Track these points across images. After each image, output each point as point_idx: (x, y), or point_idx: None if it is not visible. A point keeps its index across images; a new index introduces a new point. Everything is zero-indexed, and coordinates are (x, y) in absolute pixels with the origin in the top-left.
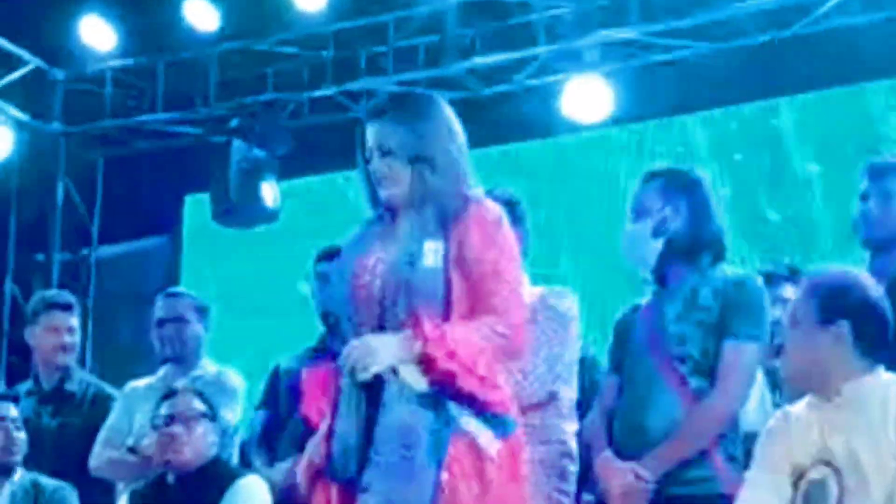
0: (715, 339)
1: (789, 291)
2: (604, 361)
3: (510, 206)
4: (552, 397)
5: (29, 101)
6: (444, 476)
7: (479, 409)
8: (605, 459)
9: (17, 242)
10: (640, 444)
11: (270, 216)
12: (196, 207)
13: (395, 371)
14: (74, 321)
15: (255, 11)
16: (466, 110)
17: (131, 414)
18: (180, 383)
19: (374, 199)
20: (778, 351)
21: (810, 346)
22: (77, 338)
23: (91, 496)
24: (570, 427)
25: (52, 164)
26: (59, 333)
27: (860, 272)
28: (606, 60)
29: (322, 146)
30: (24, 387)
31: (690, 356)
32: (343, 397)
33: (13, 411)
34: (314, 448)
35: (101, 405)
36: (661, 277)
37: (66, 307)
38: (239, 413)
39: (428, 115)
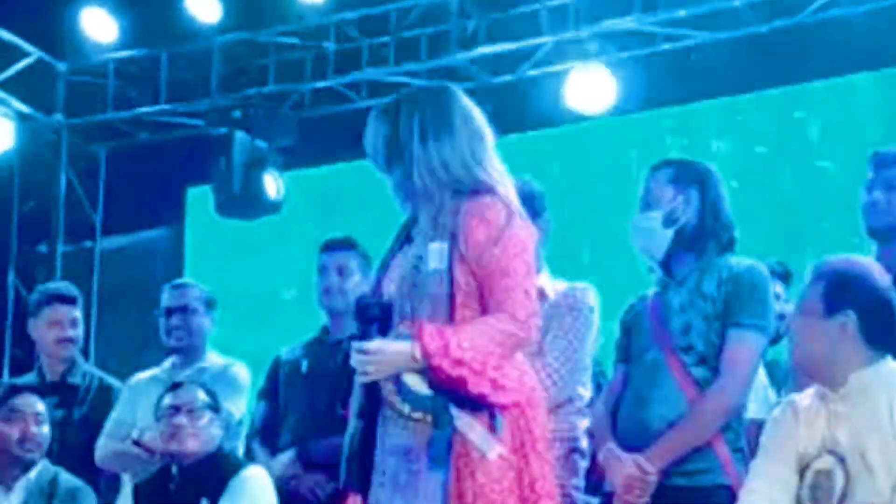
0: (719, 330)
1: (779, 288)
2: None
3: (530, 198)
4: (570, 399)
5: (31, 93)
6: (450, 478)
7: (480, 408)
8: (610, 451)
9: (19, 234)
10: (643, 435)
11: (273, 207)
12: (199, 199)
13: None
14: (77, 314)
15: (256, 2)
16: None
17: (136, 405)
18: (185, 375)
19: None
20: (773, 341)
21: (817, 334)
22: (80, 330)
23: (96, 488)
24: (583, 424)
25: (55, 156)
26: (62, 326)
27: (868, 261)
28: (610, 50)
29: (325, 137)
30: (28, 379)
31: (694, 347)
32: (355, 397)
33: (36, 406)
34: None
35: (105, 397)
36: (669, 268)
37: (69, 300)
38: (244, 406)
39: (424, 110)
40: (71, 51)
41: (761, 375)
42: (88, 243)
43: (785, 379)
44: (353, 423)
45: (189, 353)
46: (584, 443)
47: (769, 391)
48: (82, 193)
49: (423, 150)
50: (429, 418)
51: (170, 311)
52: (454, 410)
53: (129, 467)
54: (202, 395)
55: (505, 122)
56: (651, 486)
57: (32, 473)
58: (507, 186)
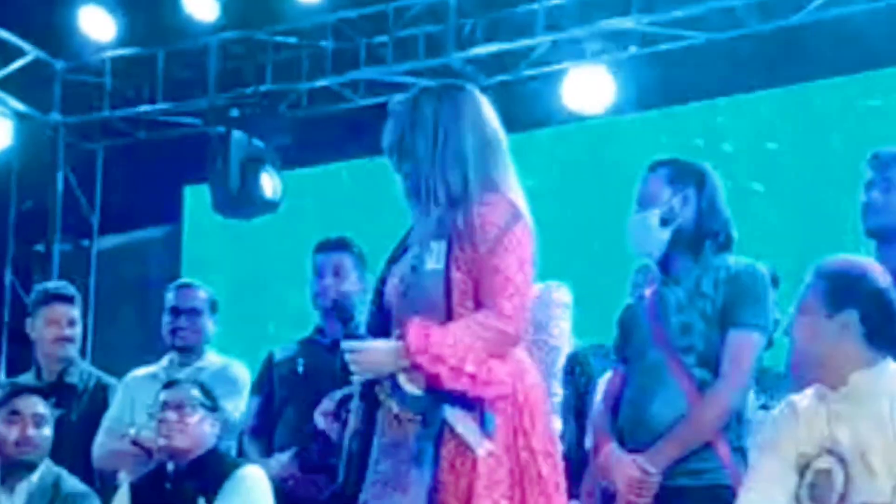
0: (719, 330)
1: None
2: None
3: None
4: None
5: (29, 92)
6: (437, 477)
7: (472, 406)
8: (611, 453)
9: (16, 233)
10: (644, 436)
11: (271, 207)
12: (196, 198)
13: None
14: (75, 313)
15: (254, 1)
16: None
17: (133, 403)
18: (183, 374)
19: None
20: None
21: (818, 334)
22: (78, 330)
23: (93, 486)
24: (557, 424)
25: (52, 155)
26: (60, 326)
27: (869, 261)
28: (607, 50)
29: (322, 136)
30: (25, 379)
31: (695, 347)
32: (355, 398)
33: (37, 407)
34: None
35: (102, 397)
36: (666, 267)
37: (67, 299)
38: (243, 406)
39: (437, 109)
40: (69, 50)
41: None
42: (86, 242)
43: (775, 384)
44: (352, 424)
45: (190, 352)
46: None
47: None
48: (79, 192)
49: (433, 149)
50: (418, 418)
51: (178, 312)
52: (448, 409)
53: (127, 466)
54: (195, 393)
55: (502, 121)
56: (654, 487)
57: (35, 476)
58: (514, 189)
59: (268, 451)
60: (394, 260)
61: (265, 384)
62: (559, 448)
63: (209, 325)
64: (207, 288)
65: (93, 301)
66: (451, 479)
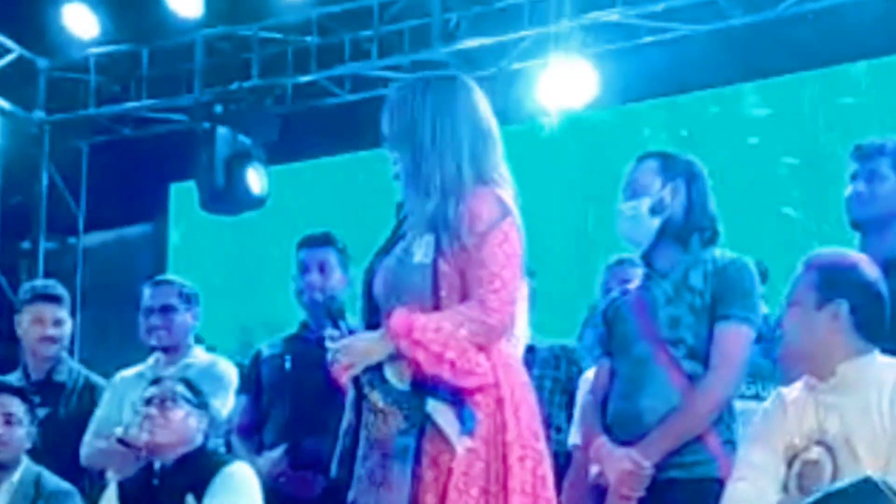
0: (708, 323)
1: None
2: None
3: None
4: None
5: (13, 90)
6: (418, 472)
7: (453, 396)
8: (601, 446)
9: (2, 230)
10: (634, 430)
11: (257, 203)
12: (182, 194)
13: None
14: (62, 313)
15: None
16: None
17: (121, 403)
18: (170, 372)
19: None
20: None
21: (807, 324)
22: (66, 329)
23: (81, 486)
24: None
25: (37, 153)
26: (44, 325)
27: (858, 254)
28: (591, 43)
29: (308, 132)
30: (12, 377)
31: (684, 340)
32: (349, 393)
33: (10, 406)
34: None
35: (90, 395)
36: (651, 260)
37: (53, 299)
38: (230, 403)
39: (430, 100)
40: (52, 47)
41: None
42: (72, 239)
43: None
44: (346, 419)
45: (172, 350)
46: None
47: None
48: (65, 189)
49: (424, 141)
50: (401, 411)
51: (149, 311)
52: (430, 402)
53: (115, 465)
54: (179, 389)
55: None
56: (646, 480)
57: (15, 476)
58: (505, 183)
59: (257, 449)
60: (384, 251)
61: (253, 382)
62: (544, 444)
63: (187, 319)
64: (184, 281)
65: (79, 298)
66: (433, 474)
